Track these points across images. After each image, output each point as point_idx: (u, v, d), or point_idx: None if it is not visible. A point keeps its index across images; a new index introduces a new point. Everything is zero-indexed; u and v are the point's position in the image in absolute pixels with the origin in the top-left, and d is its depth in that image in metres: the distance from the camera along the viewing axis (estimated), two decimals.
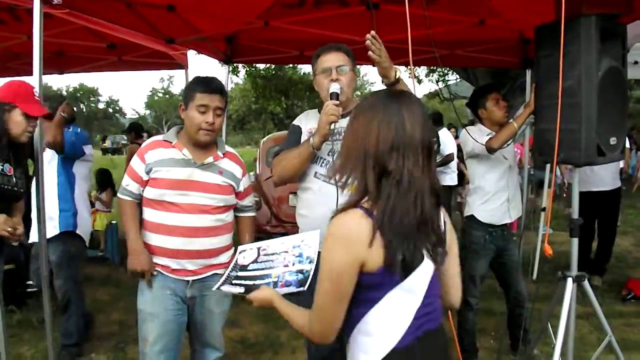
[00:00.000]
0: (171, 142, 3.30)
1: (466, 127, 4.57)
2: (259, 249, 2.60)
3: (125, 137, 12.71)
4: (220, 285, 2.49)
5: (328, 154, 3.22)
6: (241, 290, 2.41)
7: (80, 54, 7.21)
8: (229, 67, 7.48)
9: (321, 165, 3.26)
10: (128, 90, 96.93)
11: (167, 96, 63.15)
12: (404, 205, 1.83)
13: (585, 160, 3.47)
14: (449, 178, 9.26)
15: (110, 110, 70.46)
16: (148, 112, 65.51)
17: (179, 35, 5.91)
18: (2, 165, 3.27)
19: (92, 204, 7.94)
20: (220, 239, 3.37)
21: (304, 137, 3.38)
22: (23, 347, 5.06)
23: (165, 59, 7.05)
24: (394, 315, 1.91)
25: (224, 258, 3.39)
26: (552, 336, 3.72)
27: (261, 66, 24.41)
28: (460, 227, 4.90)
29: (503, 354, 4.91)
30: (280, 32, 6.08)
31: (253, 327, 5.38)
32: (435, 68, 18.63)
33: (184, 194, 3.21)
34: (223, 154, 3.38)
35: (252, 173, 8.00)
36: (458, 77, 19.83)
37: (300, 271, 2.36)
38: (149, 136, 9.03)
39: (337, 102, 3.07)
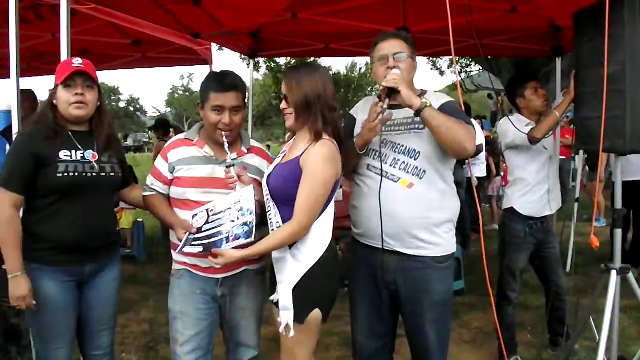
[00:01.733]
0: (192, 140, 3.20)
1: (509, 117, 4.43)
2: (207, 210, 2.95)
3: (147, 135, 12.64)
4: (182, 247, 2.91)
5: (380, 146, 3.07)
6: (200, 249, 2.85)
7: (104, 52, 7.14)
8: (252, 61, 7.41)
9: (373, 158, 3.14)
10: (148, 88, 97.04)
11: (187, 94, 63.26)
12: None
13: (630, 149, 3.32)
14: (479, 169, 9.10)
15: (132, 108, 70.80)
16: (169, 110, 65.77)
17: (205, 30, 5.84)
18: (83, 153, 3.08)
19: (117, 203, 7.89)
20: None
21: (357, 130, 3.24)
22: None
23: (189, 55, 7.00)
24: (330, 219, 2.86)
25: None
26: (594, 330, 3.61)
27: (282, 61, 24.37)
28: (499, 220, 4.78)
29: (542, 349, 4.80)
30: (306, 25, 6.02)
31: None
32: (459, 59, 18.36)
33: (206, 191, 3.09)
34: (248, 149, 3.27)
35: None
36: (481, 68, 19.65)
37: (245, 223, 2.78)
38: (176, 133, 9.00)
39: (383, 107, 2.90)
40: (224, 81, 3.07)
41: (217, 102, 3.03)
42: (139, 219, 8.68)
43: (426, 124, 2.87)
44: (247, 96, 3.24)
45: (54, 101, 3.08)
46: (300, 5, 5.54)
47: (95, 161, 3.11)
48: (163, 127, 8.92)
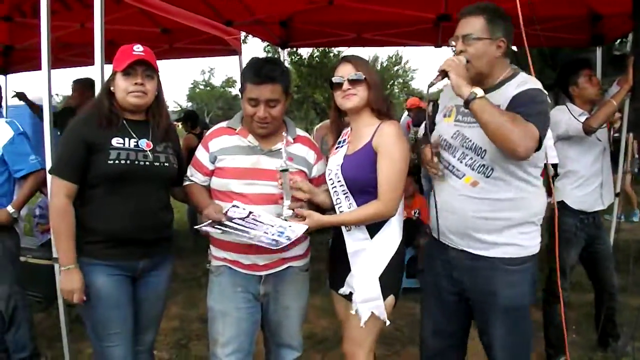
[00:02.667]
0: (235, 129, 3.05)
1: (567, 105, 4.22)
2: (250, 212, 2.84)
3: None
4: (202, 225, 2.81)
5: (452, 137, 2.90)
6: (220, 233, 2.79)
7: (131, 42, 7.02)
8: (283, 51, 7.26)
9: (445, 149, 2.95)
10: (170, 82, 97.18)
11: (208, 88, 63.42)
12: None
13: None
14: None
15: None
16: (190, 104, 65.92)
17: (236, 18, 5.68)
18: (137, 141, 2.97)
19: None
20: None
21: (438, 117, 3.09)
22: None
23: (217, 45, 6.82)
24: None
25: (297, 250, 3.10)
26: None
27: (305, 55, 24.25)
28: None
29: (589, 349, 4.61)
30: (339, 13, 5.89)
31: (320, 321, 5.18)
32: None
33: (250, 183, 2.94)
34: (294, 139, 3.10)
35: None
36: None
37: (275, 241, 2.70)
38: (204, 127, 8.86)
39: (433, 82, 2.76)
40: (260, 72, 2.90)
41: (251, 94, 2.90)
42: None
43: (475, 118, 2.59)
44: (289, 83, 3.02)
45: (112, 88, 2.98)
46: None
47: (149, 150, 3.00)
48: (191, 120, 8.77)
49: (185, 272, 6.97)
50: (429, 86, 2.81)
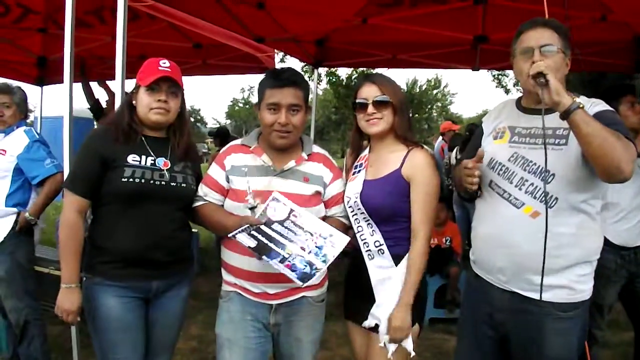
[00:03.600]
0: (250, 147, 2.90)
1: None
2: (292, 210, 2.67)
3: (206, 145, 12.63)
4: (236, 232, 2.64)
5: (509, 160, 2.66)
6: (253, 244, 2.63)
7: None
8: (316, 71, 7.19)
9: (498, 173, 2.71)
10: (209, 99, 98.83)
11: (247, 106, 64.04)
12: None
13: None
14: None
15: (192, 119, 72.11)
16: (228, 121, 66.68)
17: (269, 36, 5.61)
18: (154, 159, 2.87)
19: None
20: None
21: (486, 141, 2.84)
22: None
23: (252, 63, 6.80)
24: None
25: (314, 280, 2.79)
26: None
27: (343, 76, 24.26)
28: None
29: None
30: (374, 32, 5.82)
31: (340, 350, 4.99)
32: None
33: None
34: (308, 155, 2.92)
35: None
36: None
37: (310, 264, 2.60)
38: None
39: (544, 87, 2.35)
40: (281, 76, 2.79)
41: (272, 99, 2.75)
42: (193, 230, 8.48)
43: (575, 130, 2.28)
44: (309, 97, 2.91)
45: (134, 101, 2.89)
46: (371, 10, 5.27)
47: (166, 169, 2.88)
48: (222, 136, 8.74)
49: (208, 291, 6.86)
50: (541, 87, 2.34)
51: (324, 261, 2.62)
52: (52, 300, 4.44)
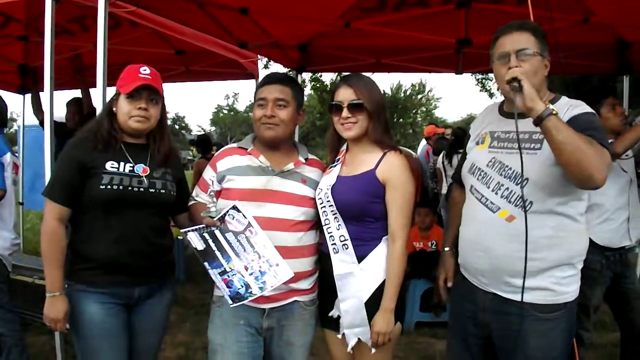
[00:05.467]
0: (247, 149, 2.98)
1: None
2: (249, 225, 2.71)
3: (190, 153, 12.65)
4: (189, 230, 2.74)
5: (488, 165, 2.71)
6: (200, 247, 2.73)
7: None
8: (300, 76, 7.17)
9: (478, 179, 2.76)
10: (193, 107, 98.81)
11: (232, 113, 64.03)
12: None
13: None
14: None
15: (177, 127, 71.87)
16: (213, 128, 66.58)
17: (252, 41, 5.59)
18: (133, 166, 2.88)
19: None
20: (302, 262, 2.93)
21: (470, 146, 2.91)
22: None
23: (235, 69, 6.84)
24: None
25: (306, 284, 2.98)
26: None
27: (328, 81, 24.33)
28: None
29: None
30: (358, 37, 5.80)
31: (328, 358, 4.95)
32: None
33: (259, 205, 2.83)
34: (305, 160, 3.02)
35: None
36: None
37: (247, 286, 2.71)
38: (218, 150, 8.81)
39: (518, 93, 2.38)
40: (270, 75, 3.05)
41: (261, 94, 2.94)
42: (179, 237, 8.43)
43: (547, 137, 2.31)
44: (300, 97, 3.05)
45: (114, 108, 2.90)
46: (354, 14, 5.27)
47: (145, 176, 2.89)
48: (204, 144, 8.77)
49: (195, 298, 6.87)
50: (515, 93, 2.38)
51: (261, 288, 2.71)
52: (38, 310, 4.42)
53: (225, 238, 2.72)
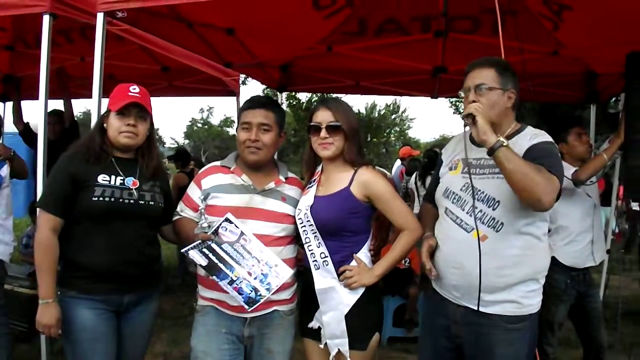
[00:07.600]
0: (229, 168, 3.10)
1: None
2: (242, 234, 2.85)
3: (164, 166, 12.50)
4: (190, 249, 2.83)
5: (462, 189, 2.89)
6: (204, 263, 2.82)
7: (131, 78, 7.06)
8: (280, 95, 7.31)
9: (452, 202, 2.93)
10: (167, 119, 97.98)
11: (206, 127, 63.55)
12: None
13: None
14: None
15: None
16: (187, 141, 65.98)
17: (236, 60, 5.73)
18: (123, 179, 3.01)
19: None
20: None
21: (443, 171, 3.09)
22: None
23: (217, 86, 6.88)
24: None
25: (285, 294, 3.10)
26: None
27: (303, 99, 24.39)
28: None
29: None
30: (338, 60, 5.97)
31: None
32: None
33: (242, 222, 2.94)
34: (285, 179, 3.15)
35: None
36: None
37: (255, 290, 2.81)
38: (197, 164, 8.84)
39: (473, 127, 2.65)
40: (254, 99, 3.11)
41: (245, 118, 3.04)
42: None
43: (499, 166, 2.55)
44: (282, 122, 3.17)
45: (105, 124, 3.05)
46: (336, 38, 5.45)
47: (135, 188, 3.04)
48: (183, 158, 8.80)
49: (172, 310, 6.88)
50: (470, 126, 2.66)
51: (268, 289, 2.82)
52: (16, 318, 4.47)
53: (223, 249, 2.83)
